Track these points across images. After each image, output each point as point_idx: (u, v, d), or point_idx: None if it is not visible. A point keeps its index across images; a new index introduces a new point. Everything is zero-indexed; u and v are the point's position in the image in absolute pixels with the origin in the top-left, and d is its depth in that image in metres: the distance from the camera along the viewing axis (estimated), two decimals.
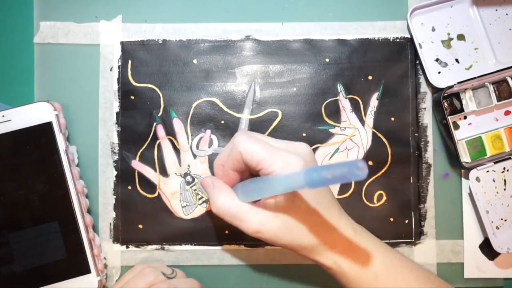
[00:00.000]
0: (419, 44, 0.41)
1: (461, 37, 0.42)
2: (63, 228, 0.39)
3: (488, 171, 0.41)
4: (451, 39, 0.42)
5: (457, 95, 0.42)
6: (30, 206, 0.39)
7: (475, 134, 0.42)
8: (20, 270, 0.39)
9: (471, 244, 0.42)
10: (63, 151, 0.39)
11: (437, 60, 0.42)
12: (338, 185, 0.42)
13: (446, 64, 0.42)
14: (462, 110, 0.42)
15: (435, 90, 0.42)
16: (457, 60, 0.42)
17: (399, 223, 0.42)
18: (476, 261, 0.42)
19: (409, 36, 0.42)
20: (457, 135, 0.42)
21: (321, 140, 0.42)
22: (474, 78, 0.40)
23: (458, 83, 0.40)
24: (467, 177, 0.42)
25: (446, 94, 0.41)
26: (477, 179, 0.41)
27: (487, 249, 0.42)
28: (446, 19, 0.42)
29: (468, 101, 0.41)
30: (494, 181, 0.41)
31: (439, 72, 0.42)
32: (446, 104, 0.41)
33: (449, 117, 0.41)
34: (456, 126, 0.42)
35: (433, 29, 0.41)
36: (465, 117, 0.42)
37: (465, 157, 0.41)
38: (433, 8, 0.41)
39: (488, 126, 0.42)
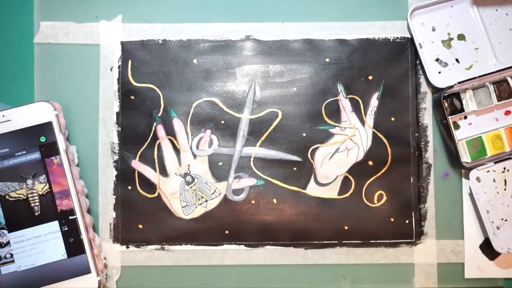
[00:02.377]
0: (419, 44, 0.41)
1: (461, 37, 0.42)
2: (63, 228, 0.39)
3: (488, 171, 0.41)
4: (451, 39, 0.42)
5: (457, 95, 0.41)
6: (30, 206, 0.39)
7: (475, 134, 0.42)
8: (20, 270, 0.39)
9: (472, 244, 0.42)
10: (63, 151, 0.39)
11: (437, 60, 0.42)
12: (338, 185, 0.42)
13: (446, 64, 0.42)
14: (462, 110, 0.41)
15: (435, 90, 0.42)
16: (457, 60, 0.42)
17: (399, 223, 0.42)
18: (477, 261, 0.42)
19: (409, 36, 0.42)
20: (457, 135, 0.41)
21: (321, 140, 0.42)
22: (475, 78, 0.40)
23: (459, 83, 0.40)
24: (467, 177, 0.42)
25: (446, 94, 0.41)
26: (478, 179, 0.41)
27: (488, 249, 0.42)
28: (446, 19, 0.42)
29: (469, 101, 0.41)
30: (494, 181, 0.41)
31: (439, 72, 0.42)
32: (446, 104, 0.41)
33: (449, 117, 0.41)
34: (456, 126, 0.42)
35: (433, 29, 0.41)
36: (465, 117, 0.42)
37: (465, 157, 0.41)
38: (433, 8, 0.41)
39: (489, 126, 0.42)
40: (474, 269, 0.42)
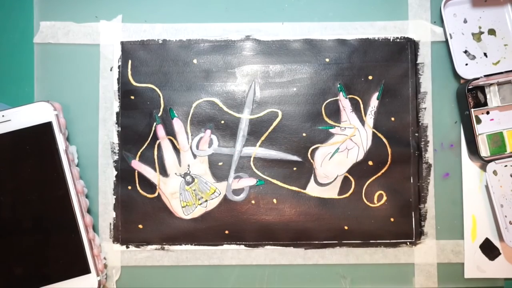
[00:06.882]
0: (450, 34, 0.42)
1: (492, 31, 0.42)
2: (63, 228, 0.39)
3: (506, 166, 0.41)
4: (482, 32, 0.42)
5: (482, 90, 0.42)
6: (30, 206, 0.39)
7: (496, 129, 0.42)
8: (20, 270, 0.39)
9: (472, 244, 0.42)
10: (63, 151, 0.39)
11: (465, 52, 0.42)
12: (338, 185, 0.42)
13: (474, 57, 0.42)
14: (485, 104, 0.42)
15: (459, 82, 0.42)
16: (485, 54, 0.42)
17: (399, 223, 0.42)
18: (477, 261, 0.42)
19: (409, 36, 0.42)
20: (478, 129, 0.42)
21: (321, 140, 0.42)
22: (501, 73, 0.41)
23: (485, 76, 0.41)
24: (484, 169, 0.42)
25: (471, 87, 0.41)
26: (495, 172, 0.41)
27: (488, 249, 0.42)
28: (479, 12, 0.42)
29: (492, 96, 0.42)
30: (511, 176, 0.41)
31: (466, 64, 0.42)
32: (470, 97, 0.41)
33: (472, 109, 0.41)
34: (478, 120, 0.42)
35: (465, 21, 0.42)
36: (487, 113, 0.42)
37: (484, 151, 0.41)
38: (467, 0, 0.42)
39: (511, 123, 0.42)
40: (474, 269, 0.42)
